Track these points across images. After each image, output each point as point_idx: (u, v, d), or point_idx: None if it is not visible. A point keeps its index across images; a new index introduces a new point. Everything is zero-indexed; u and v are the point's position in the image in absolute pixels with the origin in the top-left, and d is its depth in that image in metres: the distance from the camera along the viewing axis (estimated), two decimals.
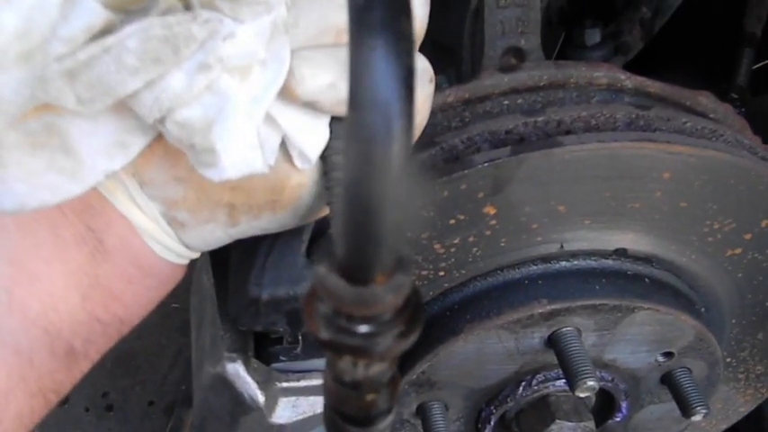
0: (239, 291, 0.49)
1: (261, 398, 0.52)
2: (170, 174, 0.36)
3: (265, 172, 0.33)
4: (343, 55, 0.32)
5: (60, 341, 0.38)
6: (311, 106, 0.34)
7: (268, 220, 0.39)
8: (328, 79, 0.33)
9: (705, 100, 0.54)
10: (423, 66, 0.37)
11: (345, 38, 0.31)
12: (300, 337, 0.53)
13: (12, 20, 0.25)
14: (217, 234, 0.40)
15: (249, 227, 0.40)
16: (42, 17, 0.26)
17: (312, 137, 0.35)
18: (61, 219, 0.37)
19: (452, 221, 0.51)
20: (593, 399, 0.65)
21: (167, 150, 0.34)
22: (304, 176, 0.37)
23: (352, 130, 0.20)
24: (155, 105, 0.30)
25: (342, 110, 0.35)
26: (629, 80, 0.52)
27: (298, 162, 0.36)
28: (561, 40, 0.90)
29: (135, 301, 0.41)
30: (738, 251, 0.57)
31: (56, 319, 0.37)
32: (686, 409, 0.59)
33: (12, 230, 0.36)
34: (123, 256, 0.38)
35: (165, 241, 0.39)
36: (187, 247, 0.40)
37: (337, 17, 0.33)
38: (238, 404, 0.52)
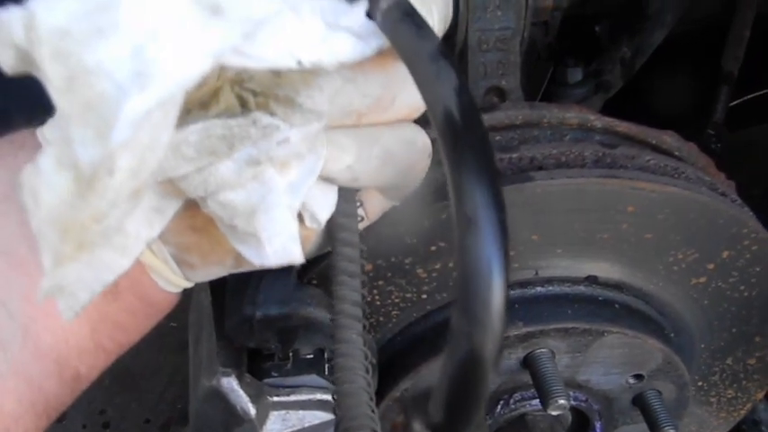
0: (235, 309, 0.53)
1: (252, 411, 0.55)
2: (187, 223, 0.38)
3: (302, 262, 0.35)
4: (361, 136, 0.36)
5: (68, 369, 0.40)
6: (327, 181, 0.37)
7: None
8: (348, 161, 0.36)
9: (670, 139, 0.58)
10: (423, 141, 0.40)
11: (364, 120, 0.35)
12: (291, 354, 0.56)
13: (126, 161, 0.27)
14: (221, 273, 0.42)
15: (248, 269, 0.42)
16: (152, 156, 0.28)
17: (324, 202, 0.38)
18: None
19: (434, 248, 0.54)
20: (569, 418, 0.68)
21: (188, 203, 0.36)
22: (311, 231, 0.40)
23: (463, 325, 0.26)
24: (200, 186, 0.32)
25: (355, 185, 0.38)
26: (598, 120, 0.57)
27: (309, 223, 0.38)
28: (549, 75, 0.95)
29: (136, 328, 0.43)
30: (703, 280, 0.61)
31: (65, 350, 0.39)
32: (656, 430, 0.62)
33: (32, 270, 0.37)
34: (132, 293, 0.41)
35: (171, 278, 0.41)
36: (189, 280, 0.42)
37: (359, 102, 0.35)
38: (231, 416, 0.55)
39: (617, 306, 0.60)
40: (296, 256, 0.34)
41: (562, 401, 0.56)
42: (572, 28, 0.87)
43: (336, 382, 0.38)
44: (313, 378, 0.57)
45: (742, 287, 0.62)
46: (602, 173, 0.52)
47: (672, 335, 0.65)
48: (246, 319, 0.52)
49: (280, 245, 0.33)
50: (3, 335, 0.37)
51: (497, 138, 0.57)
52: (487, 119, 0.58)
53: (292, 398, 0.57)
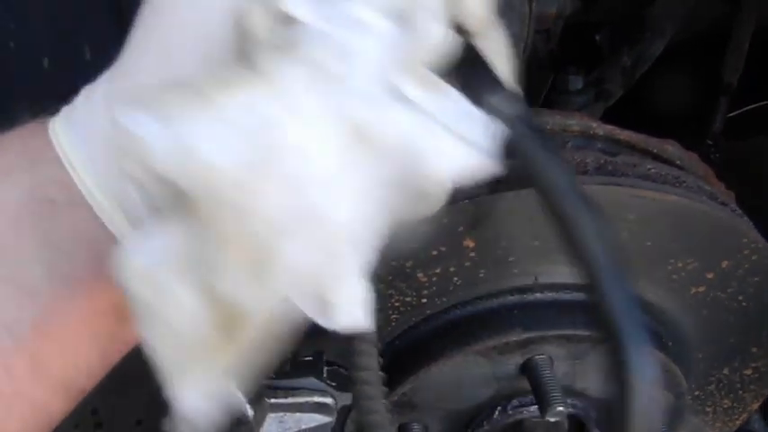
0: None
1: (250, 412, 0.55)
2: None
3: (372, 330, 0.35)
4: None
5: (75, 389, 0.39)
6: None
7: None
8: None
9: (671, 148, 0.58)
10: None
11: None
12: (289, 357, 0.56)
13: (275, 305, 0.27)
14: None
15: None
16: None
17: None
18: (97, 290, 0.37)
19: (434, 252, 0.55)
20: (566, 425, 0.68)
21: None
22: None
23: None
24: None
25: None
26: (599, 128, 0.57)
27: None
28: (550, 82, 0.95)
29: (137, 339, 0.42)
30: (702, 289, 0.61)
31: (74, 373, 0.38)
32: None
33: (44, 299, 0.35)
34: None
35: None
36: None
37: None
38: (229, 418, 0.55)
39: None
40: (365, 324, 0.33)
41: (560, 408, 0.56)
42: (573, 36, 0.87)
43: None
44: (311, 381, 0.57)
45: (740, 297, 0.62)
46: (603, 180, 0.52)
47: (669, 343, 0.65)
48: None
49: (351, 313, 0.33)
50: (9, 360, 0.35)
51: None
52: None
53: (290, 400, 0.57)
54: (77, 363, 0.38)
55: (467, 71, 0.33)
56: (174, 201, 0.28)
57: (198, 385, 0.29)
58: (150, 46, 0.34)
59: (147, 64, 0.34)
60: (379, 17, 0.30)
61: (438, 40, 0.31)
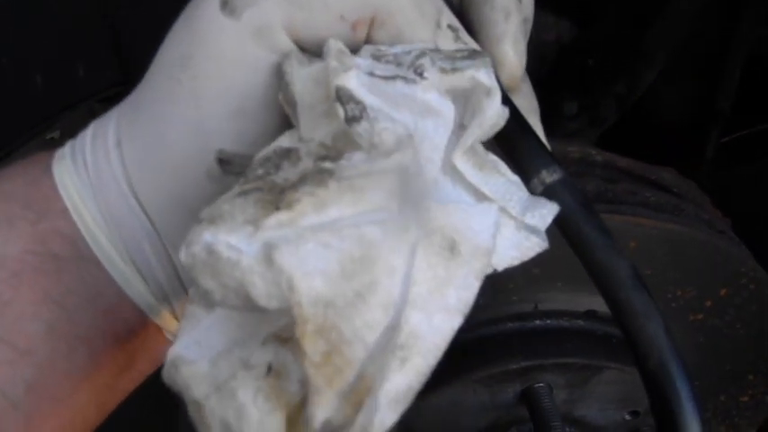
0: None
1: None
2: None
3: None
4: None
5: None
6: None
7: None
8: None
9: (669, 176, 0.58)
10: None
11: None
12: None
13: None
14: None
15: None
16: None
17: None
18: (101, 347, 0.36)
19: None
20: None
21: None
22: None
23: None
24: None
25: None
26: (599, 155, 0.57)
27: None
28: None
29: (136, 385, 0.41)
30: (700, 317, 0.61)
31: (70, 429, 0.37)
32: None
33: (42, 355, 0.34)
34: (148, 361, 0.39)
35: None
36: None
37: None
38: None
39: (615, 341, 0.60)
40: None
41: None
42: (567, 61, 0.88)
43: None
44: None
45: (738, 325, 0.62)
46: (604, 208, 0.52)
47: None
48: None
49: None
50: (4, 425, 0.34)
51: None
52: None
53: None
54: (74, 419, 0.37)
55: (508, 141, 0.32)
56: (258, 326, 0.26)
57: None
58: (179, 98, 0.32)
59: (174, 116, 0.33)
60: (443, 100, 0.29)
61: (497, 120, 0.31)
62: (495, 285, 0.55)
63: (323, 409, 0.25)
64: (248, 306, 0.25)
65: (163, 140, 0.33)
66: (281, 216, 0.25)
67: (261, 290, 0.25)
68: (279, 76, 0.31)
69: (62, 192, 0.34)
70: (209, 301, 0.26)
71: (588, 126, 0.88)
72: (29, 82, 0.81)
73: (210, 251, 0.25)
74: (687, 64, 0.93)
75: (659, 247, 0.54)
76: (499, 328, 0.57)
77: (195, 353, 0.27)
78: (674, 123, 0.97)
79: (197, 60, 0.32)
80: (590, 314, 0.59)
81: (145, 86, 0.34)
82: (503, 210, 0.30)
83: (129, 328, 0.36)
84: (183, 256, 0.25)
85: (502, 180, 0.31)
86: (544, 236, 0.31)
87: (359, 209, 0.26)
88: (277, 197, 0.26)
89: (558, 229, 0.31)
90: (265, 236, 0.25)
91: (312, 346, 0.25)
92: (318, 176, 0.26)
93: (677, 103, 0.97)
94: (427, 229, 0.27)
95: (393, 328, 0.25)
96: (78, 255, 0.34)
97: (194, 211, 0.28)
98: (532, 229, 0.30)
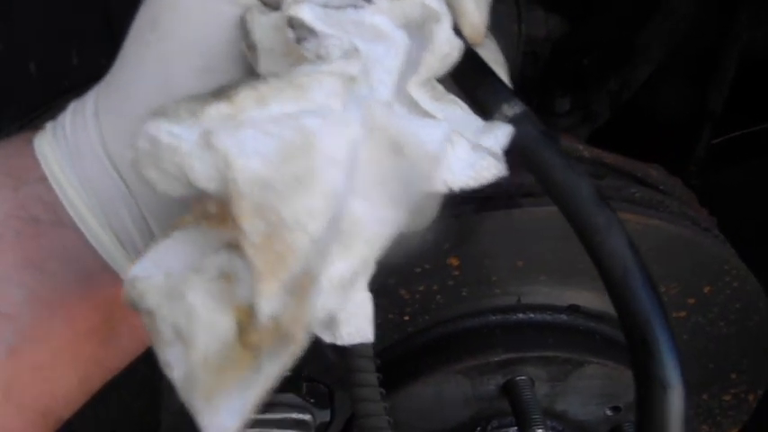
0: None
1: None
2: None
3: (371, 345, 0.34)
4: None
5: (53, 417, 0.38)
6: None
7: None
8: None
9: (655, 173, 0.59)
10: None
11: None
12: None
13: (311, 322, 0.26)
14: None
15: None
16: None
17: None
18: (81, 314, 0.36)
19: (418, 270, 0.54)
20: None
21: None
22: None
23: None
24: None
25: None
26: (586, 150, 0.57)
27: None
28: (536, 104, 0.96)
29: (122, 364, 0.41)
30: (683, 314, 0.61)
31: (52, 402, 0.37)
32: None
33: (21, 323, 0.34)
34: (131, 337, 0.39)
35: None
36: None
37: None
38: None
39: (597, 337, 0.60)
40: (369, 337, 0.33)
41: (540, 430, 0.55)
42: (561, 59, 0.88)
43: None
44: (290, 397, 0.56)
45: (721, 323, 0.62)
46: None
47: None
48: None
49: (355, 326, 0.32)
50: None
51: None
52: None
53: (268, 416, 0.56)
54: (55, 390, 0.37)
55: (469, 80, 0.33)
56: (203, 214, 0.27)
57: (225, 406, 0.27)
58: (147, 59, 0.33)
59: (144, 77, 0.34)
60: (394, 27, 0.30)
61: (449, 50, 0.31)
62: (479, 277, 0.55)
63: (268, 300, 0.25)
64: (189, 191, 0.26)
65: (133, 103, 0.34)
66: (222, 107, 0.26)
67: (199, 172, 0.25)
68: (242, 28, 0.32)
69: (41, 160, 0.35)
70: (157, 194, 0.27)
71: (580, 123, 0.88)
72: (23, 69, 0.81)
73: (153, 141, 0.26)
74: (680, 64, 0.93)
75: (643, 243, 0.54)
76: (482, 320, 0.58)
77: (151, 271, 0.27)
78: (666, 122, 0.97)
79: (163, 21, 0.33)
80: (573, 309, 0.59)
81: (119, 56, 0.35)
82: (456, 132, 0.30)
83: (108, 295, 0.36)
84: (130, 155, 0.26)
85: (459, 111, 0.32)
86: (501, 158, 0.31)
87: (300, 106, 0.27)
88: (219, 94, 0.27)
89: (522, 158, 0.32)
90: (206, 124, 0.26)
91: (250, 225, 0.25)
92: (261, 78, 0.27)
93: (669, 103, 0.97)
94: (371, 128, 0.27)
95: (336, 220, 0.26)
96: (58, 220, 0.34)
97: None
98: (488, 151, 0.30)
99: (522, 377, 0.58)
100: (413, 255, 0.53)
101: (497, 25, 0.63)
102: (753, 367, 0.67)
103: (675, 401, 0.29)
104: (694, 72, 0.95)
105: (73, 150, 0.35)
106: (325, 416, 0.58)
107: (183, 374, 0.27)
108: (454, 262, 0.54)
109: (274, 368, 0.26)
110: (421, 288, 0.55)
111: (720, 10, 0.91)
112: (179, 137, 0.26)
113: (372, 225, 0.26)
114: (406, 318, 0.57)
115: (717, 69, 0.92)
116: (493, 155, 0.30)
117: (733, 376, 0.68)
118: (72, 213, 0.35)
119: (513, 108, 0.32)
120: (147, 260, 0.28)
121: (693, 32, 0.92)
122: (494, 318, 0.58)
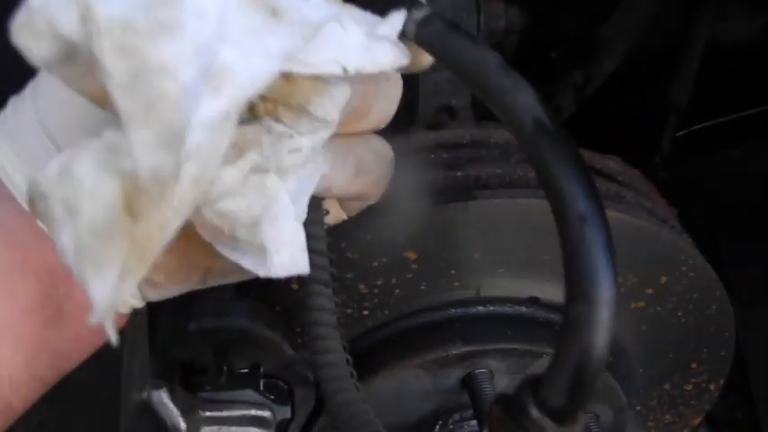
0: (168, 320, 0.51)
1: (183, 425, 0.53)
2: None
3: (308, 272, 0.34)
4: (337, 146, 0.35)
5: (1, 402, 0.37)
6: None
7: (235, 278, 0.40)
8: (324, 170, 0.35)
9: (613, 164, 0.59)
10: (389, 153, 0.40)
11: (340, 130, 0.34)
12: (225, 368, 0.55)
13: (193, 168, 0.26)
14: (184, 290, 0.40)
15: (215, 284, 0.40)
16: (214, 163, 0.27)
17: None
18: (21, 287, 0.36)
19: (376, 264, 0.54)
20: None
21: None
22: None
23: (582, 314, 0.30)
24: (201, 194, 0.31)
25: (327, 195, 0.38)
26: None
27: None
28: None
29: (80, 353, 0.41)
30: (642, 304, 0.61)
31: None
32: None
33: None
34: (78, 318, 0.38)
35: (128, 299, 0.38)
36: (147, 299, 0.39)
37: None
38: (161, 431, 0.54)
39: (557, 328, 0.60)
40: (303, 267, 0.33)
41: None
42: (527, 52, 0.88)
43: (326, 393, 0.39)
44: (248, 393, 0.56)
45: (679, 313, 0.63)
46: (544, 194, 0.52)
47: (611, 358, 0.65)
48: (180, 330, 0.51)
49: (288, 256, 0.32)
50: None
51: (444, 156, 0.57)
52: (434, 137, 0.58)
53: (225, 413, 0.55)
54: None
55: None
56: (74, 73, 0.28)
57: (114, 275, 0.28)
58: None
59: None
60: None
61: None
62: (437, 271, 0.55)
63: (143, 150, 0.25)
64: (59, 46, 0.27)
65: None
66: None
67: (64, 22, 0.26)
68: None
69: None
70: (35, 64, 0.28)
71: None
72: (23, 69, 0.80)
73: (30, 13, 0.27)
74: (644, 56, 0.94)
75: None
76: (441, 313, 0.58)
77: (51, 167, 0.28)
78: (631, 115, 0.98)
79: None
80: (532, 300, 0.59)
81: None
82: (350, 19, 0.30)
83: (50, 270, 0.36)
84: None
85: (357, 11, 0.32)
86: (401, 46, 0.32)
87: None
88: None
89: (432, 54, 0.33)
90: None
91: (112, 64, 0.25)
92: None
93: (633, 95, 0.97)
94: None
95: (206, 68, 0.26)
96: None
97: None
98: (383, 37, 0.31)
99: (482, 370, 0.58)
100: (368, 250, 0.53)
101: (457, 19, 0.63)
102: (712, 357, 0.68)
103: (595, 231, 0.30)
104: (659, 65, 0.95)
105: (11, 128, 0.35)
106: (285, 413, 0.58)
107: (74, 247, 0.27)
108: (412, 256, 0.54)
109: (152, 235, 0.27)
110: (379, 282, 0.55)
111: (684, 1, 0.91)
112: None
113: (244, 69, 0.26)
114: (366, 312, 0.57)
115: (681, 61, 0.93)
116: (390, 41, 0.31)
117: (693, 366, 0.69)
118: (9, 185, 0.35)
119: (421, 10, 0.32)
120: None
121: (657, 24, 0.92)
122: (453, 311, 0.58)
